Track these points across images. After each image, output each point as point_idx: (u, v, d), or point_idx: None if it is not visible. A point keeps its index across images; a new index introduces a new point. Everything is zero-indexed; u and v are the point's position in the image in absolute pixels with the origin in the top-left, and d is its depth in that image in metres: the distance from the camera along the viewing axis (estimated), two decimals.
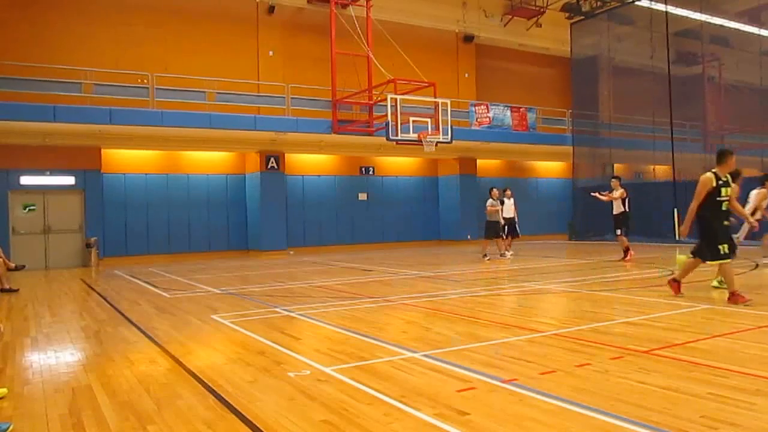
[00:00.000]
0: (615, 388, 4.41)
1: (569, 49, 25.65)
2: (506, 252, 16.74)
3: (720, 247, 7.87)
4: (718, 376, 4.62)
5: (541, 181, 28.16)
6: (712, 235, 8.06)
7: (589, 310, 8.17)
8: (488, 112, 23.56)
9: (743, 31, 26.01)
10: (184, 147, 20.32)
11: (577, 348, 5.73)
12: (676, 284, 8.70)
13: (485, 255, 16.09)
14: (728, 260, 7.93)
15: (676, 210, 20.25)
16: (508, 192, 17.52)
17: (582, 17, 24.90)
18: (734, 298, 7.85)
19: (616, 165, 24.72)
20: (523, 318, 7.64)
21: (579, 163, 24.93)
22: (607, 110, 25.51)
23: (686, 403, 4.04)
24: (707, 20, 24.70)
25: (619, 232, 14.26)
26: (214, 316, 8.19)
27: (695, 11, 23.78)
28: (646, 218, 19.18)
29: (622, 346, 5.66)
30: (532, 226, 24.71)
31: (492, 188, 17.11)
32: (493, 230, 16.52)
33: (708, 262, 8.25)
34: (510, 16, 25.47)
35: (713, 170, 8.24)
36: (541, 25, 26.18)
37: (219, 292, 10.98)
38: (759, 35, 26.16)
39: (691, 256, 8.59)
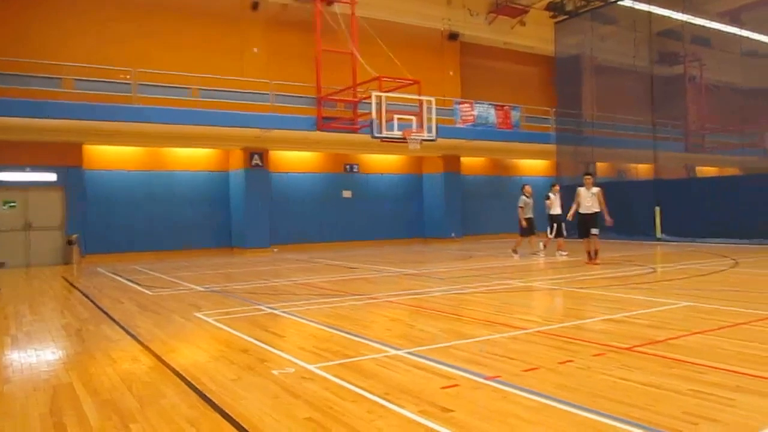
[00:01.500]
0: (597, 385, 4.45)
1: (553, 48, 25.78)
2: (561, 252, 15.74)
3: None
4: (699, 373, 4.68)
5: (525, 179, 28.25)
6: None
7: (571, 308, 8.24)
8: (473, 110, 23.63)
9: (724, 32, 26.34)
10: (167, 143, 20.16)
11: (560, 345, 5.78)
12: None
13: (515, 252, 16.03)
14: None
15: (658, 208, 20.48)
16: (557, 187, 16.57)
17: (566, 16, 25.02)
18: None
19: (598, 163, 24.91)
20: (507, 315, 7.68)
21: (562, 161, 25.08)
22: (590, 109, 25.68)
23: (667, 399, 4.09)
24: (689, 20, 24.96)
25: (595, 231, 13.53)
26: (197, 314, 8.15)
27: (677, 11, 24.00)
28: (628, 216, 19.34)
29: (604, 343, 5.71)
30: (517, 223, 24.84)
31: (524, 185, 16.73)
32: (530, 227, 16.21)
33: None
34: (494, 15, 25.55)
35: None
36: (525, 24, 26.29)
37: (202, 289, 10.93)
38: (739, 36, 26.52)
39: None
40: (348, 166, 24.09)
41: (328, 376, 4.84)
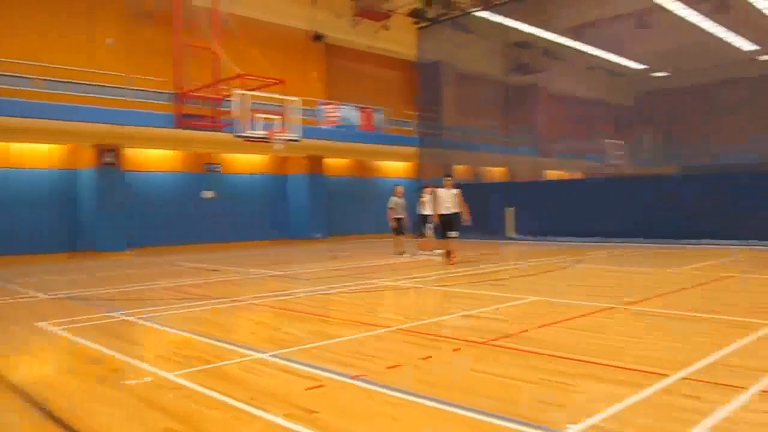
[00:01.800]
0: (455, 379, 4.65)
1: (416, 53, 26.57)
2: (425, 251, 15.79)
3: None
4: (547, 362, 5.03)
5: (388, 180, 28.88)
6: None
7: (431, 305, 8.55)
8: (337, 111, 23.80)
9: (570, 47, 28.51)
10: (4, 138, 18.42)
11: (421, 342, 5.97)
12: None
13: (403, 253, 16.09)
14: None
15: (512, 209, 21.73)
16: (428, 189, 15.98)
17: (428, 23, 25.89)
18: None
19: (457, 166, 25.99)
20: (371, 314, 7.81)
21: (423, 163, 25.86)
22: (450, 114, 26.76)
23: (519, 388, 4.37)
24: (540, 34, 26.75)
25: (454, 234, 13.66)
26: (41, 324, 7.52)
27: (529, 25, 25.63)
28: (483, 216, 20.34)
29: (462, 338, 5.98)
30: (381, 224, 25.36)
31: (396, 186, 16.78)
32: (399, 228, 16.38)
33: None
34: (359, 18, 25.89)
35: None
36: (389, 29, 26.88)
37: (48, 297, 10.11)
38: (583, 51, 28.84)
39: None
40: (210, 166, 23.36)
41: (189, 384, 4.67)
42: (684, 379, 4.46)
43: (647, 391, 4.17)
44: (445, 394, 4.24)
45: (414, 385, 4.50)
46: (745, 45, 27.57)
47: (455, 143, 25.96)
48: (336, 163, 26.83)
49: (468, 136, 27.34)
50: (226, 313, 8.10)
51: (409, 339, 6.13)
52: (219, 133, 19.46)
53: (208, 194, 23.18)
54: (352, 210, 26.82)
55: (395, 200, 16.60)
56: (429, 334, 6.29)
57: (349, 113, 24.43)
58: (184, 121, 19.08)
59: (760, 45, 27.71)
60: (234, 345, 6.03)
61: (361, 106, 24.94)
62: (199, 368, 5.15)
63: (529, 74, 30.46)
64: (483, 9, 24.55)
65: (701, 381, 4.41)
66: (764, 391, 4.13)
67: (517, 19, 24.81)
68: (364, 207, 26.87)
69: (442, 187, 14.01)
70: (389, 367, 5.00)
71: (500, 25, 24.84)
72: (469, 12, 25.03)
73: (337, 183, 26.78)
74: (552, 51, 29.55)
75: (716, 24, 24.98)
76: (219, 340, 6.26)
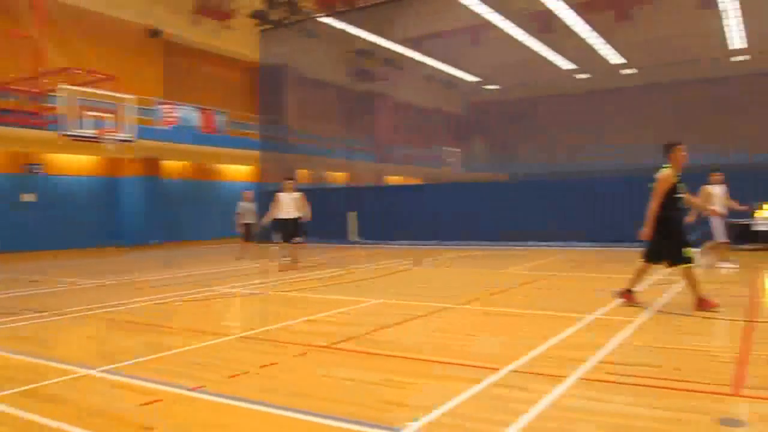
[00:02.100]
0: (300, 384, 4.64)
1: (259, 56, 26.17)
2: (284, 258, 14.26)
3: (685, 249, 7.18)
4: (389, 363, 5.17)
5: (229, 184, 28.10)
6: (676, 237, 7.28)
7: (274, 311, 8.45)
8: (175, 112, 22.80)
9: (409, 57, 29.67)
10: None
11: (264, 348, 5.88)
12: (628, 294, 7.71)
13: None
14: (692, 264, 7.26)
15: (355, 213, 22.10)
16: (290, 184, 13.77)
17: (271, 26, 25.59)
18: (702, 304, 7.16)
19: (300, 170, 25.98)
20: (211, 323, 7.56)
21: (266, 167, 25.46)
22: (294, 118, 26.70)
23: (363, 390, 4.45)
24: (381, 43, 27.52)
25: (298, 240, 13.45)
26: None
27: (371, 33, 26.28)
28: (326, 221, 20.51)
29: (306, 343, 5.97)
30: (224, 229, 24.70)
31: (244, 191, 16.31)
32: (248, 233, 16.03)
33: (671, 266, 7.43)
34: (199, 16, 25.00)
35: (667, 165, 7.35)
36: (231, 29, 26.23)
37: None
38: (422, 62, 30.14)
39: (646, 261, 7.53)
40: (29, 167, 21.30)
41: (6, 408, 4.22)
42: (513, 371, 4.80)
43: (480, 385, 4.43)
44: (289, 401, 4.21)
45: (257, 393, 4.42)
46: (565, 64, 30.39)
47: (299, 148, 25.94)
48: (175, 166, 25.63)
49: (311, 140, 27.45)
50: (50, 328, 7.42)
51: (252, 346, 6.01)
52: (41, 131, 17.78)
53: (27, 197, 21.08)
54: (192, 215, 25.76)
55: (244, 205, 16.21)
56: (273, 341, 6.22)
57: (188, 114, 23.49)
58: None
59: (577, 65, 30.69)
60: (59, 362, 5.54)
61: (202, 107, 24.09)
62: (15, 390, 4.66)
63: (371, 82, 31.28)
64: (327, 15, 24.79)
65: (528, 372, 4.78)
66: (582, 379, 4.55)
67: (359, 26, 25.34)
68: (205, 212, 25.94)
69: (282, 191, 13.52)
70: (231, 377, 4.87)
71: (344, 32, 25.22)
72: (314, 17, 25.15)
73: (175, 186, 25.58)
74: (393, 60, 30.58)
75: (541, 43, 27.27)
76: (41, 358, 5.71)
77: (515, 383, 4.53)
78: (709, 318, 6.78)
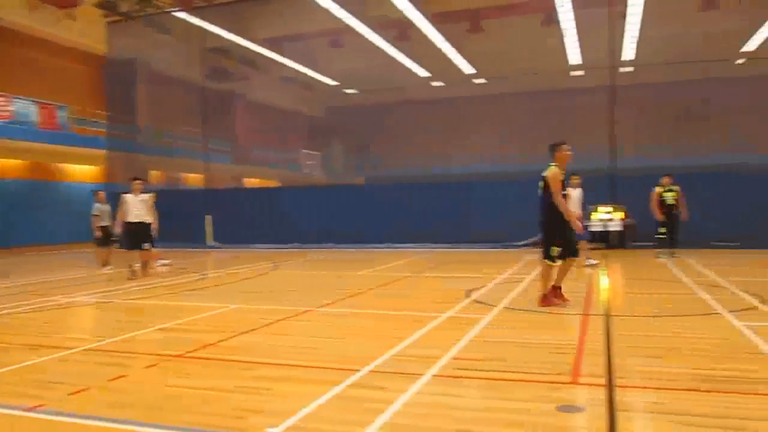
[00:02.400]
0: (151, 397, 4.41)
1: (106, 48, 24.57)
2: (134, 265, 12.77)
3: (553, 248, 7.48)
4: (246, 369, 5.06)
5: (77, 185, 26.08)
6: (551, 234, 7.60)
7: (122, 320, 7.96)
8: (10, 105, 20.85)
9: (267, 57, 29.27)
10: None
11: (111, 361, 5.53)
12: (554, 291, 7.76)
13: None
14: (552, 264, 7.55)
15: (211, 217, 21.42)
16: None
17: (120, 18, 24.11)
18: (544, 300, 7.62)
19: (152, 171, 24.76)
20: (53, 335, 6.99)
21: (113, 168, 23.86)
22: (145, 116, 25.38)
23: (218, 399, 4.32)
24: (238, 41, 26.91)
25: (147, 246, 12.48)
26: None
27: (228, 31, 25.61)
28: (182, 224, 19.73)
29: (157, 353, 5.69)
30: (64, 234, 22.93)
31: (97, 191, 14.87)
32: (106, 237, 14.35)
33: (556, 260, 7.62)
34: (38, 1, 23.01)
35: (554, 164, 7.58)
36: (75, 18, 24.40)
37: None
38: (280, 62, 29.86)
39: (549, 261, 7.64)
40: None
41: None
42: (372, 372, 4.89)
43: (340, 387, 4.47)
44: (138, 415, 3.99)
45: (103, 409, 4.14)
46: (421, 71, 31.47)
47: (150, 148, 24.70)
48: (9, 165, 23.34)
49: (164, 140, 26.24)
50: None
51: (98, 359, 5.63)
52: None
53: None
54: (31, 218, 23.53)
55: (99, 207, 14.77)
56: (121, 352, 5.86)
57: (25, 108, 21.57)
58: None
59: (432, 73, 31.90)
60: None
61: (41, 101, 22.19)
62: None
63: (228, 81, 30.51)
64: (181, 10, 23.83)
65: (386, 372, 4.89)
66: (435, 375, 4.74)
67: (215, 24, 24.61)
68: (47, 214, 23.85)
69: (130, 192, 12.54)
70: (74, 393, 4.52)
71: (199, 28, 24.39)
72: (166, 11, 24.07)
73: (10, 187, 23.30)
74: (252, 60, 30.03)
75: (399, 51, 28.03)
76: None
77: (373, 383, 4.61)
78: (553, 313, 7.32)
